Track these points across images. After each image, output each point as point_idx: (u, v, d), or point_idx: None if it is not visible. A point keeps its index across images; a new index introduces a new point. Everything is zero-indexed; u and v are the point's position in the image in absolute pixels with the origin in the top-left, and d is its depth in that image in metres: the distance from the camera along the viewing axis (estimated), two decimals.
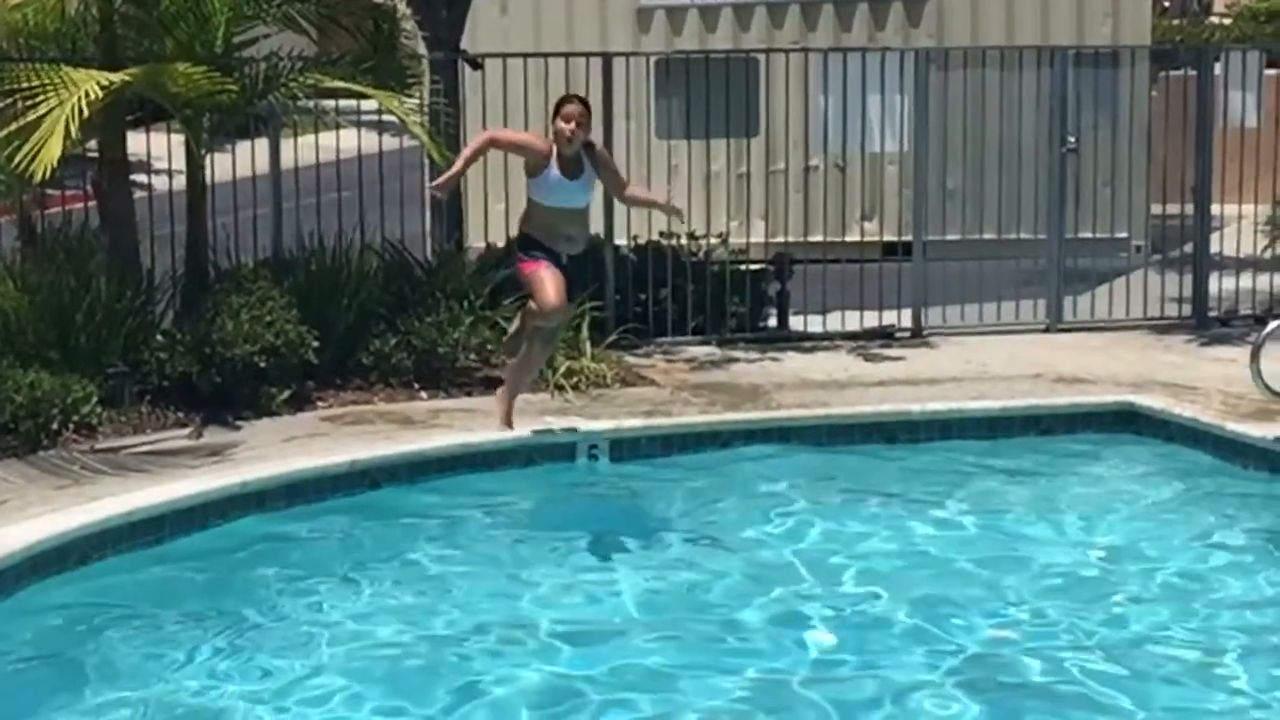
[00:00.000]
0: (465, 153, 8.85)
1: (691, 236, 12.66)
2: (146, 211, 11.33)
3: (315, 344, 10.36)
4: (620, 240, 12.47)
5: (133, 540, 8.07)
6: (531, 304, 8.94)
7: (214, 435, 9.74)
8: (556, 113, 8.63)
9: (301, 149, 12.04)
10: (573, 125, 8.55)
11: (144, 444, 9.53)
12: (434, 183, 9.04)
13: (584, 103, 8.69)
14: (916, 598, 7.53)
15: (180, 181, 11.13)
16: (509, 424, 9.37)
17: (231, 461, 9.16)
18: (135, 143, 11.27)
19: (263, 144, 11.90)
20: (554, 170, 8.46)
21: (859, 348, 12.27)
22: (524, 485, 9.34)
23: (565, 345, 11.19)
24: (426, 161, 12.22)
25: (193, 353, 10.12)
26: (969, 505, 9.02)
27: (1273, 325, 9.95)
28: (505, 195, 12.48)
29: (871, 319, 12.67)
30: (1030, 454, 9.92)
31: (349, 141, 12.09)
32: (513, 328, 9.48)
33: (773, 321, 12.85)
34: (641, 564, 8.15)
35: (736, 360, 11.80)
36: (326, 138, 11.93)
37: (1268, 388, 9.58)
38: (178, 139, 11.01)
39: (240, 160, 11.72)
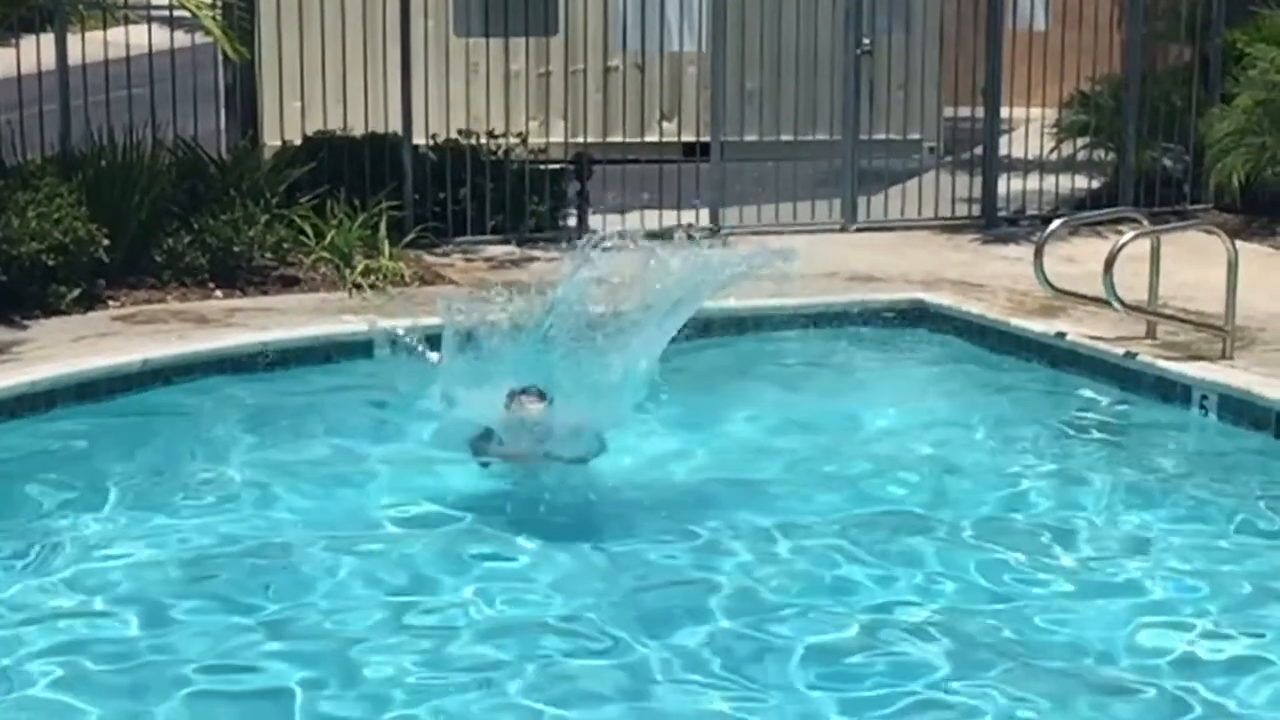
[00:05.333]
0: None
1: (491, 135, 12.61)
2: None
3: (106, 242, 10.17)
4: (419, 139, 12.39)
5: None
6: None
7: (0, 334, 9.54)
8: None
9: (90, 44, 11.74)
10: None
11: None
12: None
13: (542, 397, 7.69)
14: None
15: None
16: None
17: (20, 361, 8.99)
18: None
19: (49, 39, 11.58)
20: None
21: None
22: (321, 382, 9.31)
23: (363, 244, 11.14)
24: (220, 57, 12.04)
25: None
26: (759, 399, 9.21)
27: (1056, 224, 10.21)
28: (301, 93, 12.32)
29: (670, 219, 12.75)
30: (823, 350, 10.14)
31: (139, 37, 11.83)
32: None
33: (572, 221, 12.87)
34: (436, 450, 8.18)
35: (536, 259, 11.81)
36: (116, 34, 11.63)
37: (1050, 285, 9.84)
38: None
39: (25, 56, 11.41)
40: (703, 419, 8.85)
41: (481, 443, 7.89)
